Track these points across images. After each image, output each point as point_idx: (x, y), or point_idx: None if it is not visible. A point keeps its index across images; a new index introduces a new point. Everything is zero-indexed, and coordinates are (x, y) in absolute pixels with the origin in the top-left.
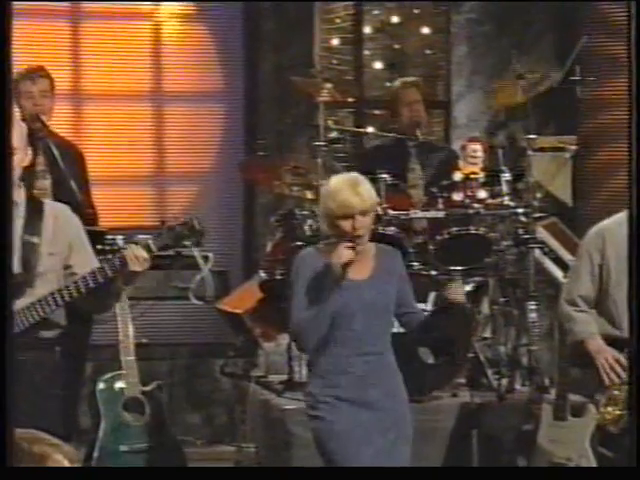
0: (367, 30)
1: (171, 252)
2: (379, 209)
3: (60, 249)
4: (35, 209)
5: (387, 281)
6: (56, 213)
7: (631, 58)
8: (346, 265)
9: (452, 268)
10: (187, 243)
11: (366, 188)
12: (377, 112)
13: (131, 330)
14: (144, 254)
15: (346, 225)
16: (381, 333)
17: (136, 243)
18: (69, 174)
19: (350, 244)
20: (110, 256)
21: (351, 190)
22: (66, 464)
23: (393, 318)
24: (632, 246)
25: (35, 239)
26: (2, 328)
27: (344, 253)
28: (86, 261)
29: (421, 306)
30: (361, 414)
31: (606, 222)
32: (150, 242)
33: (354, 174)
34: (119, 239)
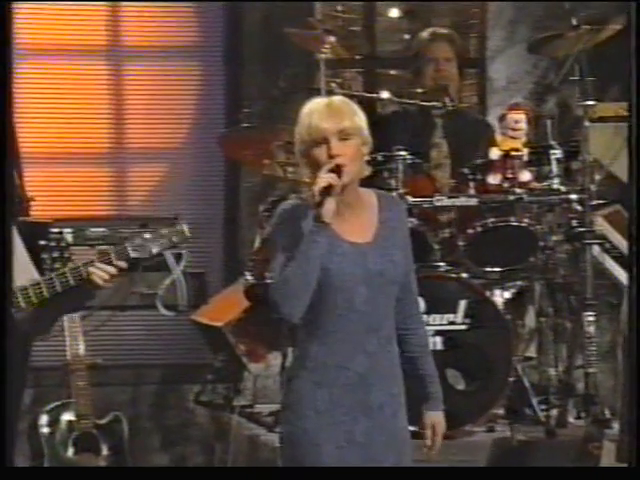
0: None
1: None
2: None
3: None
4: None
5: (395, 243)
6: None
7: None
8: (326, 194)
9: (487, 270)
10: (173, 253)
11: (346, 108)
12: (393, 72)
13: (82, 348)
14: (109, 270)
15: (320, 153)
16: (389, 314)
17: (107, 252)
18: None
19: (331, 165)
20: (60, 266)
21: (325, 109)
22: None
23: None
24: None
25: None
26: (2, 329)
27: (322, 177)
28: (19, 270)
29: (450, 317)
30: (358, 424)
31: None
32: (129, 248)
33: (338, 96)
34: (67, 233)
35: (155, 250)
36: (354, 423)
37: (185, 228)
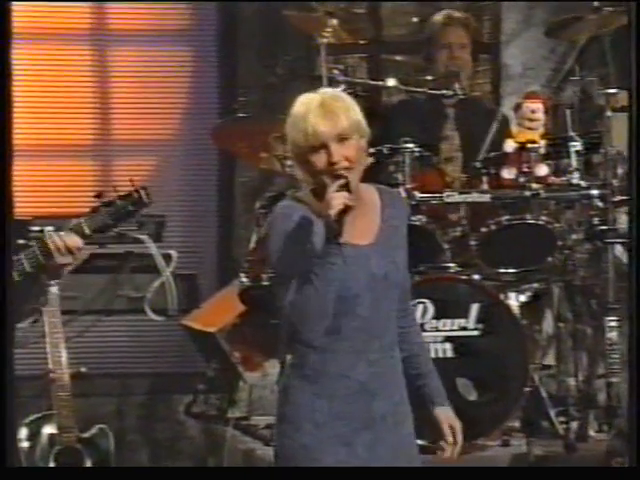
0: None
1: (120, 250)
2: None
3: None
4: None
5: (397, 243)
6: None
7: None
8: (343, 214)
9: (502, 271)
10: (132, 223)
11: (340, 105)
12: (400, 58)
13: (64, 356)
14: (76, 240)
15: (319, 159)
16: (391, 319)
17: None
18: None
19: (341, 181)
20: (29, 244)
21: (319, 110)
22: None
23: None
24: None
25: None
26: (2, 331)
27: (335, 198)
28: None
29: (461, 322)
30: (359, 437)
31: None
32: (82, 223)
33: (327, 89)
34: (48, 231)
35: (110, 221)
36: (355, 436)
37: (143, 195)
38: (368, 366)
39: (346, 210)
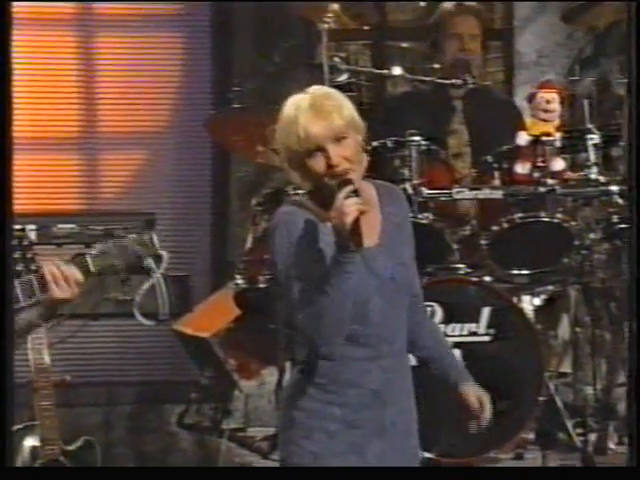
0: None
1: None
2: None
3: None
4: None
5: (402, 241)
6: None
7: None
8: (358, 221)
9: (514, 272)
10: (142, 267)
11: (331, 103)
12: (405, 45)
13: (48, 363)
14: (78, 275)
15: (317, 163)
16: (402, 324)
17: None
18: None
19: (349, 188)
20: (23, 273)
21: (310, 111)
22: None
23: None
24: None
25: None
26: (2, 331)
27: (348, 205)
28: None
29: (471, 327)
30: (370, 445)
31: None
32: (88, 259)
33: (315, 87)
34: (30, 230)
35: (117, 262)
36: (367, 444)
37: (155, 238)
38: (382, 373)
39: (360, 216)
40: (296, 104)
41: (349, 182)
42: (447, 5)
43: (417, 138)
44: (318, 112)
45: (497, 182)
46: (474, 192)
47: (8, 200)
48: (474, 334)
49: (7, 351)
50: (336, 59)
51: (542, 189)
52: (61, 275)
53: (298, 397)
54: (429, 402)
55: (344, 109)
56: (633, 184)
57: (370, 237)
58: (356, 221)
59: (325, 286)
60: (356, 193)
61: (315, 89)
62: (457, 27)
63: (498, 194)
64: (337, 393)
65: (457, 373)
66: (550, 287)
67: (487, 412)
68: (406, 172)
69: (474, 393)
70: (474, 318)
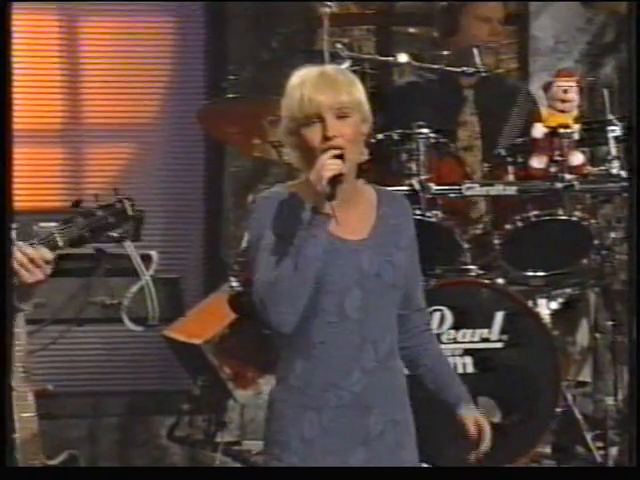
0: None
1: (89, 249)
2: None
3: None
4: None
5: (396, 243)
6: None
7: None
8: (335, 181)
9: (529, 274)
10: (113, 235)
11: (343, 79)
12: (413, 30)
13: (28, 371)
14: (46, 254)
15: (313, 133)
16: (389, 325)
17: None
18: None
19: (336, 151)
20: None
21: (318, 79)
22: None
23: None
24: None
25: None
26: (2, 332)
27: (328, 164)
28: None
29: (483, 333)
30: (354, 455)
31: None
32: (56, 234)
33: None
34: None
35: (87, 234)
36: (350, 454)
37: (127, 206)
38: (362, 375)
39: (339, 178)
40: (307, 72)
41: (339, 148)
42: None
43: (425, 130)
44: (327, 81)
45: (511, 177)
46: (486, 188)
47: (8, 199)
48: (486, 340)
49: (7, 351)
50: (338, 45)
51: (559, 185)
52: (27, 259)
53: (273, 404)
54: (434, 412)
55: (354, 88)
56: (634, 186)
57: (357, 232)
58: (334, 183)
59: (289, 248)
60: (341, 158)
61: (328, 66)
62: (487, 10)
63: (512, 190)
64: (311, 396)
65: (456, 393)
66: (568, 290)
67: (486, 441)
68: (413, 167)
69: (473, 419)
70: (486, 323)
